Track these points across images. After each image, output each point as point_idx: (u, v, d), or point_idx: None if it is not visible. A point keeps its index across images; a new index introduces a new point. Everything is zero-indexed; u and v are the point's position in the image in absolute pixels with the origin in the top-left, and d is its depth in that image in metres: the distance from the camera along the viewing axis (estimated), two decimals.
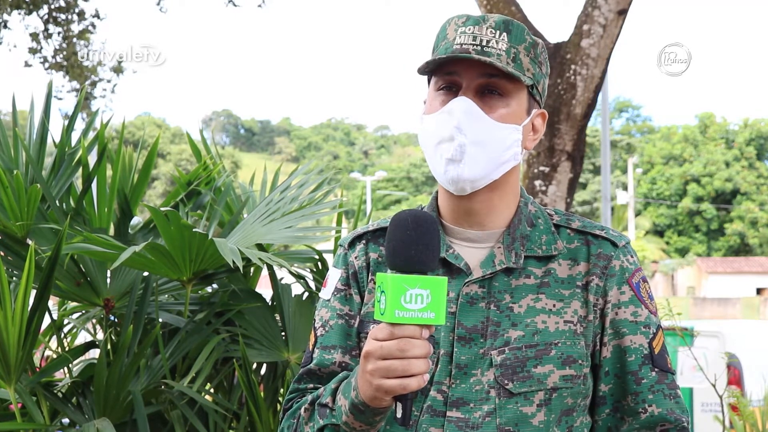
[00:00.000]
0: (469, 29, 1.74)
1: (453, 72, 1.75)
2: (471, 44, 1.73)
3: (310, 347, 1.86)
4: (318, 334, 1.85)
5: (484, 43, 1.73)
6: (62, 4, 12.59)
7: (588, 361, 1.77)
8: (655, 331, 1.80)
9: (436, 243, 1.56)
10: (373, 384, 1.56)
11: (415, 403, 1.74)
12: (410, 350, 1.52)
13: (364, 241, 1.88)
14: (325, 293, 1.88)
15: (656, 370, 1.78)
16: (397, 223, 1.58)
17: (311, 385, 1.83)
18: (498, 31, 1.74)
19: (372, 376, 1.56)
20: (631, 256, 1.82)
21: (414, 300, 1.52)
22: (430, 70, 1.78)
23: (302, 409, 1.78)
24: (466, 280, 1.77)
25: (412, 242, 1.54)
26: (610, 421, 1.80)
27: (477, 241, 1.81)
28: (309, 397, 1.78)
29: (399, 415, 1.56)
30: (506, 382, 1.72)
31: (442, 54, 1.74)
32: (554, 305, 1.76)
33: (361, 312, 1.83)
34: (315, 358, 1.83)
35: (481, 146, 1.73)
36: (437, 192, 1.88)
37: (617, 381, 1.79)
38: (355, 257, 1.87)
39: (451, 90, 1.76)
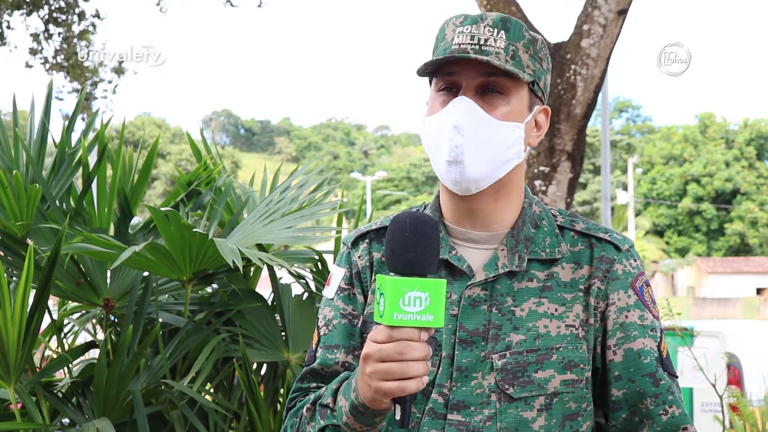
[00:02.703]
0: (467, 29, 1.73)
1: (452, 72, 1.74)
2: (469, 44, 1.72)
3: (313, 346, 1.86)
4: (321, 333, 1.84)
5: (482, 42, 1.72)
6: (63, 4, 12.58)
7: (590, 365, 1.76)
8: (660, 335, 1.80)
9: (435, 245, 1.55)
10: (371, 386, 1.56)
11: (416, 405, 1.73)
12: (408, 353, 1.52)
13: (367, 240, 1.87)
14: (329, 292, 1.87)
15: (667, 373, 1.78)
16: (395, 225, 1.56)
17: (314, 384, 1.83)
18: (496, 29, 1.73)
19: (371, 379, 1.55)
20: (634, 260, 1.81)
21: (413, 303, 1.51)
22: (430, 71, 1.77)
23: (304, 409, 1.78)
24: (469, 283, 1.76)
25: (411, 245, 1.53)
26: (629, 425, 1.77)
27: (480, 242, 1.80)
28: (311, 396, 1.78)
29: (398, 417, 1.56)
30: (507, 387, 1.71)
31: (441, 55, 1.73)
32: (556, 309, 1.75)
33: (365, 312, 1.82)
34: (318, 358, 1.83)
35: (482, 145, 1.72)
36: (440, 191, 1.87)
37: (632, 384, 1.76)
38: (359, 256, 1.85)
39: (451, 90, 1.75)
